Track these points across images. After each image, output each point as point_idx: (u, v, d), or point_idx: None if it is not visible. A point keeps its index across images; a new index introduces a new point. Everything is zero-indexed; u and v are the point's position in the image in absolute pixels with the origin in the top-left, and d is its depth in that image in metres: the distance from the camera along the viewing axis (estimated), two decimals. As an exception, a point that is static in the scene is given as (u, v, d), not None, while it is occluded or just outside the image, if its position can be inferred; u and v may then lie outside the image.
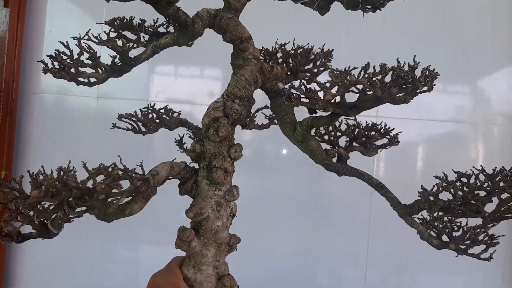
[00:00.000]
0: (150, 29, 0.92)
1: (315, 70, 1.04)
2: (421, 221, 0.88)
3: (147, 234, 1.79)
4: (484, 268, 1.84)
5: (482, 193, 0.81)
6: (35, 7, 1.75)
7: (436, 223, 0.88)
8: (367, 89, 0.63)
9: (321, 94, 0.70)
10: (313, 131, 0.98)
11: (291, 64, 1.01)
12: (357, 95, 0.69)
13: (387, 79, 0.69)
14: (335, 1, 0.83)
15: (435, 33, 1.93)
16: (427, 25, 1.93)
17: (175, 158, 0.90)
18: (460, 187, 0.80)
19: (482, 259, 0.92)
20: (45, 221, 0.76)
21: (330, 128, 1.01)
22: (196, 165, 0.87)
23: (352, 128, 1.00)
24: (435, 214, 0.79)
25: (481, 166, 0.82)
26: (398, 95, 0.70)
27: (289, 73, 1.03)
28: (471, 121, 1.97)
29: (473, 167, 0.80)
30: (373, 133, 1.01)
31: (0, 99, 1.69)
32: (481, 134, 1.96)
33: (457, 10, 1.95)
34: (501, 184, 0.78)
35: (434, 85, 0.68)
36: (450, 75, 1.92)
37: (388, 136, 1.02)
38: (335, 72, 0.66)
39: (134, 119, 1.03)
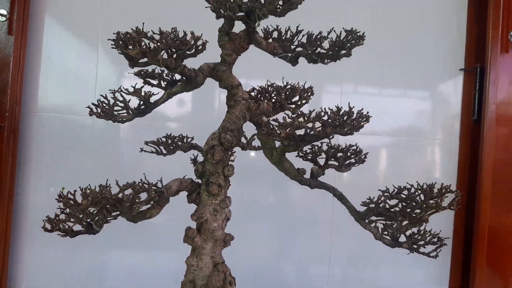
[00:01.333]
0: (168, 76, 1.22)
1: (299, 103, 1.31)
2: (375, 225, 1.12)
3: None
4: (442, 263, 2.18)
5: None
6: (35, 34, 2.06)
7: (394, 226, 1.12)
8: (310, 129, 0.89)
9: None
10: (296, 152, 1.25)
11: (280, 99, 1.28)
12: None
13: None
14: (300, 57, 1.11)
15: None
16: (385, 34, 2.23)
17: (185, 175, 1.19)
18: (400, 197, 1.04)
19: (431, 256, 1.15)
20: (90, 222, 1.07)
21: (313, 149, 1.27)
22: (199, 181, 1.15)
23: (330, 149, 1.25)
24: (372, 218, 1.03)
25: (417, 182, 1.05)
26: (343, 130, 0.96)
27: (277, 106, 1.31)
28: (429, 128, 2.25)
29: (407, 183, 1.04)
30: (346, 154, 1.26)
31: (5, 119, 1.94)
32: (437, 140, 2.24)
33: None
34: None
35: (365, 123, 0.93)
36: (409, 81, 2.23)
37: (358, 157, 1.27)
38: (288, 117, 0.93)
39: (157, 144, 1.33)
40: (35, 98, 2.07)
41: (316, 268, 2.18)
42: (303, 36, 1.13)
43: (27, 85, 2.07)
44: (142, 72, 1.19)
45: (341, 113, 0.93)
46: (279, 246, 2.16)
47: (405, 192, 1.07)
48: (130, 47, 0.87)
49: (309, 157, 1.27)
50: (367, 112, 0.96)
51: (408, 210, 0.99)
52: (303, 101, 1.30)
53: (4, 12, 1.95)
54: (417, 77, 2.21)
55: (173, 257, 2.03)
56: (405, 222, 0.98)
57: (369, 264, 2.22)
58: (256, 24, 0.97)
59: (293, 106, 1.30)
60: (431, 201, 0.96)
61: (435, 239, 1.13)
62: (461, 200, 2.19)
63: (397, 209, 1.01)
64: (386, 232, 1.13)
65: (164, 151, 1.35)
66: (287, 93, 1.28)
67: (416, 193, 1.03)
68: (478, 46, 2.15)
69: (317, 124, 0.91)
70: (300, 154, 1.27)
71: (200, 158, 1.36)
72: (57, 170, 2.09)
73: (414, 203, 0.97)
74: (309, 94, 1.31)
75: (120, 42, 0.89)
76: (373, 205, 1.02)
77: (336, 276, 2.18)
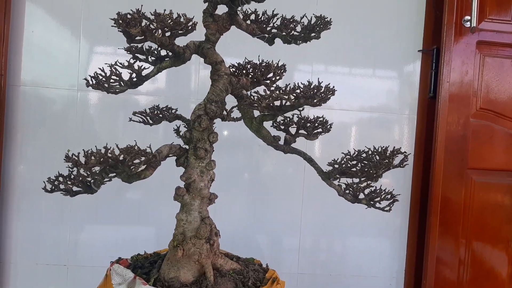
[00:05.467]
0: (155, 52, 1.34)
1: (273, 79, 1.47)
2: (338, 183, 1.32)
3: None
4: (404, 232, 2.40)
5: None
6: (18, 11, 2.16)
7: (354, 185, 1.31)
8: (286, 100, 1.05)
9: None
10: (271, 122, 1.41)
11: (256, 75, 1.43)
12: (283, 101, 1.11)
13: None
14: (276, 38, 1.26)
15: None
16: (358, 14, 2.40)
17: (173, 142, 1.33)
18: (359, 159, 1.23)
19: (385, 210, 1.36)
20: (89, 183, 1.20)
21: (285, 120, 1.44)
22: (186, 146, 1.29)
23: (301, 120, 1.42)
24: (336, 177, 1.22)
25: (373, 146, 1.24)
26: (313, 102, 1.13)
27: (255, 80, 1.46)
28: (394, 104, 2.45)
29: (365, 146, 1.23)
30: (314, 124, 1.43)
31: (-8, 91, 1.99)
32: (402, 115, 2.45)
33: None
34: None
35: (331, 96, 1.11)
36: (376, 62, 2.41)
37: (324, 127, 1.45)
38: (268, 89, 1.08)
39: (144, 114, 1.46)
40: (18, 72, 2.14)
41: (287, 239, 2.36)
42: (277, 19, 1.28)
43: (11, 59, 2.14)
44: (133, 49, 1.31)
45: (311, 86, 1.10)
46: (253, 218, 2.34)
47: (364, 154, 1.27)
48: (134, 26, 0.99)
49: (282, 127, 1.45)
50: (333, 87, 1.13)
51: (366, 169, 1.19)
52: (277, 77, 1.46)
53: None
54: (382, 57, 2.40)
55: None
56: (363, 179, 1.18)
57: (340, 234, 2.41)
58: (239, 8, 1.11)
59: (268, 81, 1.46)
60: (385, 161, 1.15)
61: (389, 196, 1.34)
62: (419, 168, 2.44)
63: (357, 168, 1.21)
64: (347, 191, 1.33)
65: (151, 121, 1.48)
66: (263, 70, 1.43)
67: (372, 155, 1.22)
68: (435, 29, 2.33)
69: (292, 96, 1.07)
70: (275, 124, 1.44)
71: (182, 128, 1.51)
72: (44, 140, 2.21)
73: (370, 162, 1.16)
74: (282, 71, 1.47)
75: (121, 22, 1.00)
76: (337, 166, 1.21)
77: (307, 247, 2.37)
